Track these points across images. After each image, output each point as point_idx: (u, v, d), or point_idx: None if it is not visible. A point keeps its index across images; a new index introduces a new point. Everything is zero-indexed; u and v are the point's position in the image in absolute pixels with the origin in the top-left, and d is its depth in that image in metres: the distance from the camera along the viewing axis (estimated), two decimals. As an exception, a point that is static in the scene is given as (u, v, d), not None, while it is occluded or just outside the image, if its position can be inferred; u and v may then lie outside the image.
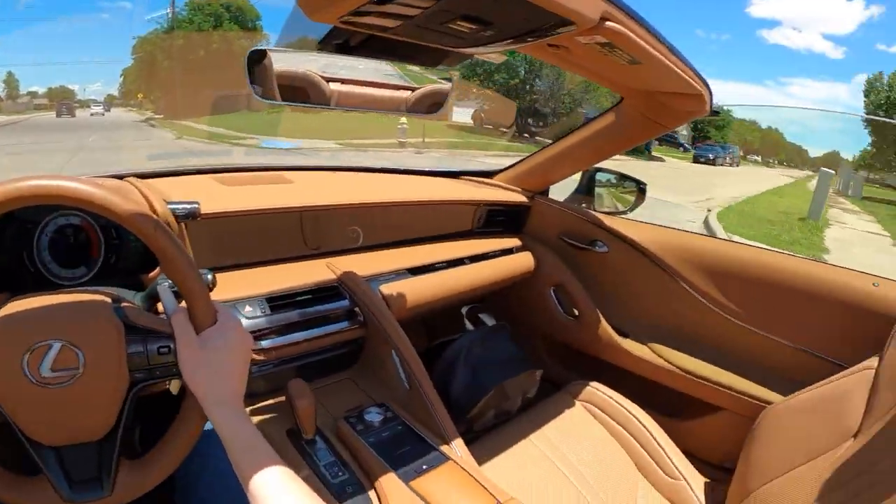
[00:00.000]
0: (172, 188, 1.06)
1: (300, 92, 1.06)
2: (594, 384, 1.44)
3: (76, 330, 0.63)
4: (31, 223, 0.97)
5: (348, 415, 1.13)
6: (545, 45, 0.80)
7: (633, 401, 1.39)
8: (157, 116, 27.95)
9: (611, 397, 1.40)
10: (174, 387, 0.73)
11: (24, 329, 0.62)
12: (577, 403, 1.42)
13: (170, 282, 0.77)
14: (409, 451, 1.07)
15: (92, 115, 33.88)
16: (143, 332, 0.67)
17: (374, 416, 1.13)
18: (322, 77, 1.08)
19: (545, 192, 1.75)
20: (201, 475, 0.89)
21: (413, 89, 1.14)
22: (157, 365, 0.67)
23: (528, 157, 1.69)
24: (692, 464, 1.28)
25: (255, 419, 1.16)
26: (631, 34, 0.72)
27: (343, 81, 1.09)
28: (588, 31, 0.69)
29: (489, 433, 1.34)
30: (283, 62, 1.03)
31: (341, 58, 1.12)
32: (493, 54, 1.04)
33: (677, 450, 1.29)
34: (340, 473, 1.02)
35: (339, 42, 1.09)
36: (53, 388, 0.61)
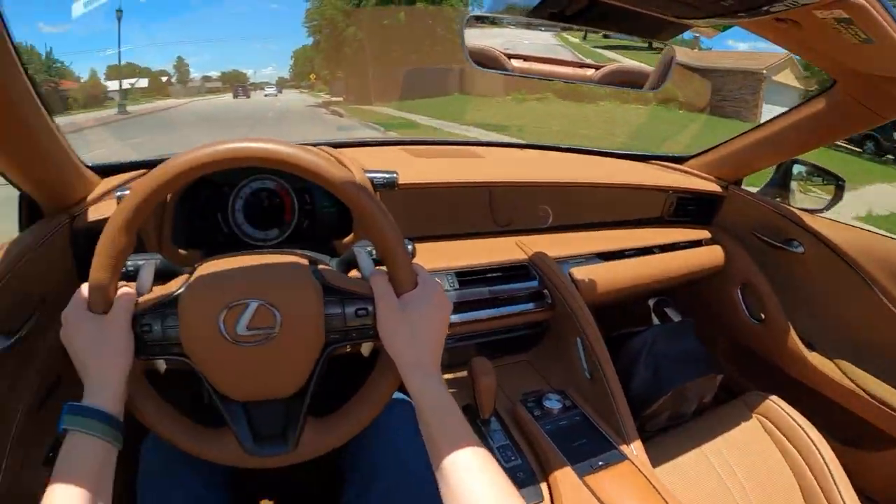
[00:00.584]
0: (366, 158, 1.09)
1: (484, 62, 1.04)
2: (773, 398, 1.30)
3: (274, 290, 0.63)
4: (226, 185, 1.04)
5: (526, 398, 1.11)
6: (773, 19, 0.72)
7: (812, 421, 1.24)
8: (334, 100, 27.57)
9: (789, 415, 1.26)
10: (366, 349, 0.73)
11: (223, 287, 0.63)
12: (753, 416, 1.29)
13: (369, 248, 0.77)
14: (586, 444, 1.03)
15: (266, 96, 36.63)
16: (340, 293, 0.67)
17: (553, 403, 1.10)
18: (504, 54, 1.05)
19: (739, 182, 1.58)
20: (373, 440, 0.87)
21: (597, 67, 1.07)
22: (353, 327, 0.66)
23: (723, 143, 1.52)
24: None
25: None
26: (872, 9, 0.64)
27: (525, 58, 1.05)
28: (829, 5, 0.62)
29: (661, 435, 1.26)
30: (474, 38, 1.01)
31: (522, 32, 1.09)
32: (707, 28, 0.95)
33: (850, 488, 1.12)
34: (513, 458, 1.01)
35: (555, 10, 1.05)
36: (248, 346, 0.62)
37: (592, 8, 0.99)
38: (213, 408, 0.74)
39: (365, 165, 0.99)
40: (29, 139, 0.80)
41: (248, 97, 35.99)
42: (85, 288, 0.63)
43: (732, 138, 1.51)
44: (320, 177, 0.61)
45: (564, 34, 1.05)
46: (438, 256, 1.10)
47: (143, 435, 0.80)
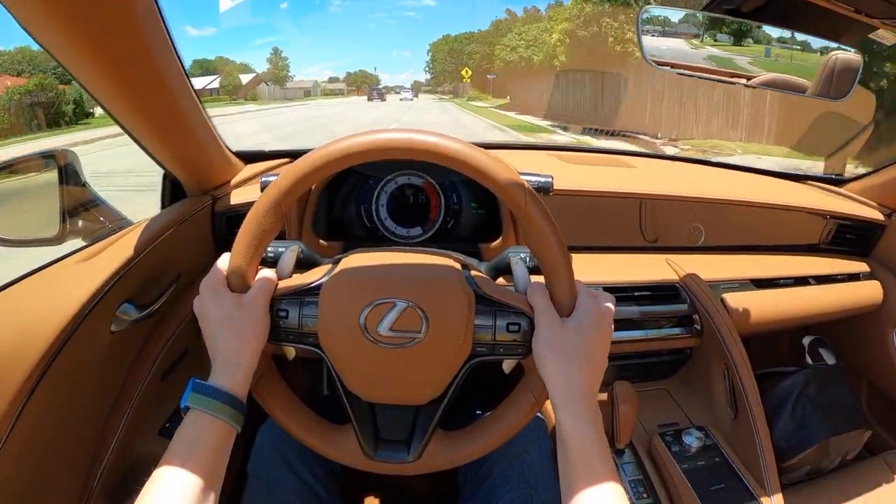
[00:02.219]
0: (515, 160, 1.03)
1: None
2: None
3: (425, 292, 0.58)
4: (372, 179, 1.00)
5: (665, 432, 1.03)
6: None
7: None
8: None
9: None
10: (507, 365, 0.67)
11: (370, 283, 0.59)
12: (894, 477, 1.15)
13: (523, 255, 0.71)
14: (724, 489, 0.96)
15: (401, 100, 37.59)
16: (494, 304, 0.61)
17: (692, 440, 1.02)
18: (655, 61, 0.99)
19: (903, 211, 1.41)
20: (496, 455, 0.79)
21: (748, 77, 0.99)
22: (502, 342, 0.60)
23: (889, 165, 1.36)
24: None
25: None
26: None
27: (672, 66, 0.99)
28: None
29: (797, 488, 1.14)
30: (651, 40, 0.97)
31: (661, 41, 1.01)
32: (889, 34, 0.87)
33: None
34: (645, 495, 0.96)
35: (731, 7, 0.98)
36: (387, 348, 0.57)
37: (772, 5, 0.91)
38: (329, 402, 0.71)
39: (516, 167, 0.93)
40: (183, 124, 0.82)
41: (384, 100, 36.42)
42: (225, 260, 0.61)
43: (898, 160, 1.35)
44: (488, 177, 0.55)
45: (694, 41, 0.99)
46: (586, 269, 1.02)
47: (261, 419, 0.79)
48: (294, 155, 1.21)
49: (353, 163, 0.55)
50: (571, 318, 0.58)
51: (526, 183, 0.57)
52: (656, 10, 0.92)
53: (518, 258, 0.71)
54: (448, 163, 0.55)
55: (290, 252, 0.68)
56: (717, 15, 0.91)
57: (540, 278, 0.62)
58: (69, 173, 0.89)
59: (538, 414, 0.68)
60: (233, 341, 0.57)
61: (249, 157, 1.15)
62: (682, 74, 0.97)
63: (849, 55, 0.93)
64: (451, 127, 16.25)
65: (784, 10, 0.90)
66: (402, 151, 0.55)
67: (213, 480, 0.52)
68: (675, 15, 0.95)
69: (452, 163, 0.55)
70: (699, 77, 0.99)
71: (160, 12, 0.64)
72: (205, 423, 0.53)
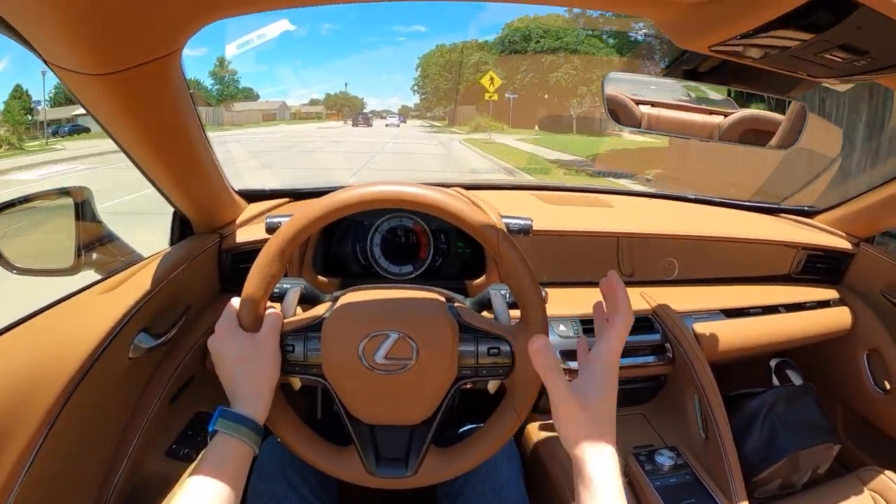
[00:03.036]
0: (497, 201, 1.12)
1: (614, 114, 1.05)
2: (889, 474, 1.22)
3: (414, 324, 0.67)
4: (364, 221, 1.09)
5: (638, 452, 1.10)
6: None
7: None
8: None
9: None
10: (492, 386, 0.75)
11: (365, 317, 0.68)
12: (866, 492, 1.21)
13: (503, 291, 0.79)
14: None
15: (387, 125, 33.46)
16: (474, 331, 0.70)
17: (664, 460, 1.08)
18: (632, 100, 1.05)
19: (871, 239, 1.49)
20: (473, 474, 0.89)
21: (727, 114, 1.05)
22: (484, 364, 0.69)
23: (857, 196, 1.44)
24: None
25: (544, 435, 1.19)
26: None
27: (653, 104, 1.05)
28: None
29: (770, 502, 1.21)
30: (612, 87, 1.02)
31: (651, 79, 1.09)
32: (839, 84, 0.92)
33: None
34: None
35: (689, 68, 1.06)
36: (383, 374, 0.66)
37: (725, 66, 0.99)
38: (325, 425, 0.79)
39: (499, 209, 1.02)
40: (195, 167, 0.88)
41: (370, 125, 32.16)
42: (236, 302, 0.68)
43: (867, 191, 1.42)
44: (466, 222, 0.64)
45: (692, 84, 1.05)
46: (565, 302, 1.11)
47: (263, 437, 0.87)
48: (293, 194, 1.28)
49: (348, 213, 0.64)
50: (586, 387, 0.60)
51: (498, 224, 0.66)
52: (619, 76, 1.00)
53: (498, 293, 0.79)
54: (430, 210, 0.64)
55: (293, 292, 0.77)
56: (675, 79, 0.99)
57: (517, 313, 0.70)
58: (84, 209, 0.95)
59: None
60: (252, 377, 0.65)
61: (252, 197, 1.22)
62: (649, 133, 1.06)
63: (797, 106, 1.01)
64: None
65: (736, 71, 0.98)
66: (391, 202, 0.64)
67: (236, 496, 0.59)
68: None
69: (434, 210, 0.64)
70: (668, 135, 1.07)
71: (183, 72, 0.69)
72: (231, 446, 0.60)
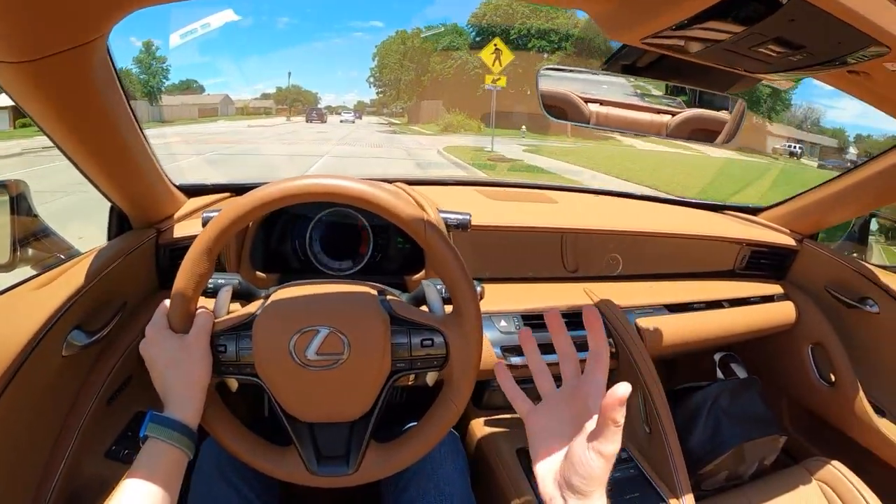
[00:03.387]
0: (440, 197, 1.12)
1: (559, 111, 1.05)
2: (836, 464, 1.25)
3: (344, 318, 0.66)
4: (304, 216, 1.07)
5: None
6: (845, 71, 0.71)
7: (877, 492, 1.18)
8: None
9: (853, 484, 1.20)
10: (430, 379, 0.75)
11: (295, 313, 0.67)
12: (814, 482, 1.24)
13: (439, 286, 0.78)
14: (639, 498, 1.03)
15: (342, 121, 32.00)
16: (407, 324, 0.69)
17: None
18: (581, 98, 1.07)
19: (815, 236, 1.53)
20: (415, 470, 0.89)
21: (674, 113, 1.07)
22: (418, 357, 0.69)
23: (800, 194, 1.48)
24: None
25: (488, 431, 1.19)
26: None
27: (602, 103, 1.05)
28: None
29: (716, 495, 1.22)
30: (549, 83, 1.03)
31: (601, 78, 1.10)
32: (781, 80, 0.95)
33: None
34: None
35: (627, 63, 1.07)
36: (316, 371, 0.65)
37: (663, 61, 1.01)
38: (270, 423, 0.77)
39: (439, 205, 1.02)
40: (128, 159, 0.86)
41: (325, 121, 30.65)
42: (167, 304, 0.67)
43: (810, 189, 1.46)
44: (394, 215, 0.64)
45: (640, 82, 1.06)
46: (505, 298, 1.11)
47: (201, 438, 0.85)
48: (235, 189, 1.27)
49: (277, 206, 0.63)
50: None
51: (426, 216, 0.65)
52: (553, 72, 1.00)
53: (433, 287, 0.79)
54: (359, 203, 0.63)
55: (224, 290, 0.75)
56: (613, 74, 1.00)
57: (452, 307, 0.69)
58: (20, 203, 0.91)
59: (451, 429, 0.74)
60: (181, 380, 0.64)
61: (192, 191, 1.20)
62: (600, 130, 1.06)
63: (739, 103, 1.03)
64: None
65: (675, 66, 1.00)
66: (319, 195, 0.63)
67: (171, 500, 0.58)
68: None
69: (362, 203, 0.63)
70: (619, 132, 1.08)
71: (111, 60, 0.67)
72: (162, 451, 0.59)
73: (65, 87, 0.62)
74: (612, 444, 0.50)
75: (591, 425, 0.52)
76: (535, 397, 0.59)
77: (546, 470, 0.54)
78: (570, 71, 1.04)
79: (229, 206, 0.63)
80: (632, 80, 1.07)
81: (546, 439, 0.55)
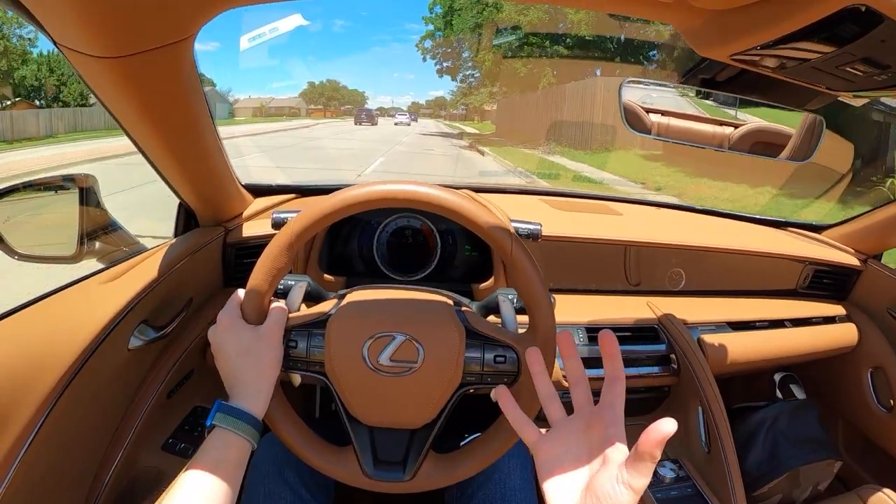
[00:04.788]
0: (506, 205, 1.11)
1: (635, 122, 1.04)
2: (888, 492, 1.21)
3: (421, 327, 0.66)
4: (369, 220, 1.08)
5: None
6: None
7: None
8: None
9: None
10: (494, 393, 0.74)
11: (371, 317, 0.67)
12: None
13: (511, 296, 0.78)
14: None
15: (396, 124, 30.41)
16: (482, 338, 0.68)
17: (666, 471, 1.08)
18: (643, 108, 1.05)
19: (879, 256, 1.48)
20: (483, 479, 0.87)
21: (736, 126, 1.05)
22: (489, 372, 0.68)
23: (865, 213, 1.44)
24: None
25: None
26: None
27: (663, 113, 1.05)
28: None
29: None
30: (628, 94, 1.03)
31: (654, 90, 1.08)
32: (856, 99, 0.92)
33: None
34: None
35: (707, 77, 1.05)
36: (386, 376, 0.65)
37: (743, 76, 0.99)
38: (322, 424, 0.77)
39: (508, 213, 1.01)
40: (204, 158, 0.87)
41: (375, 124, 28.39)
42: (241, 294, 0.68)
43: (875, 208, 1.42)
44: (477, 225, 0.63)
45: (692, 95, 1.05)
46: (570, 310, 1.10)
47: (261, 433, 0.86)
48: (300, 190, 1.27)
49: (355, 211, 0.63)
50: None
51: (511, 229, 0.64)
52: (635, 85, 1.00)
53: (506, 299, 0.78)
54: (442, 212, 0.63)
55: (298, 287, 0.76)
56: (692, 87, 0.99)
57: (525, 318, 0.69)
58: (89, 196, 0.93)
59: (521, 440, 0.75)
60: (253, 370, 0.64)
61: (258, 191, 1.22)
62: (662, 140, 1.05)
63: (813, 119, 1.01)
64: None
65: (754, 81, 0.98)
66: (402, 202, 0.63)
67: (233, 492, 0.58)
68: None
69: (446, 212, 0.63)
70: (680, 143, 1.06)
71: (196, 68, 0.69)
72: (230, 441, 0.59)
73: (150, 85, 0.63)
74: (645, 477, 0.47)
75: (616, 455, 0.50)
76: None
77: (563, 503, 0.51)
78: (649, 84, 1.03)
79: (316, 205, 0.63)
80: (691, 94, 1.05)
81: (560, 470, 0.53)
